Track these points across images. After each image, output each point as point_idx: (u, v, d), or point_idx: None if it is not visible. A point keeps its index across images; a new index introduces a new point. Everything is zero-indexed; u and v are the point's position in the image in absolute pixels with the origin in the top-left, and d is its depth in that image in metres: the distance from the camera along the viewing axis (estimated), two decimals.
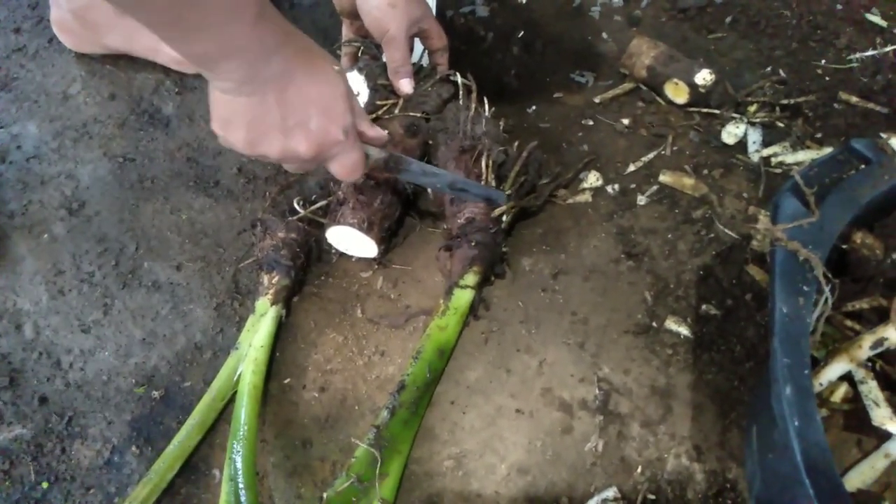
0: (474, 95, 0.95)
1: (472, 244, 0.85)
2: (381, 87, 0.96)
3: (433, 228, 0.95)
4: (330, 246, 0.91)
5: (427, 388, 0.79)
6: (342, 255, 0.92)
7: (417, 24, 0.90)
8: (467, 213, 0.87)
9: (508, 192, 0.89)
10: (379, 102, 0.95)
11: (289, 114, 0.62)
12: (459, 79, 0.97)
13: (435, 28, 0.92)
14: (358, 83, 0.98)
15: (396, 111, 0.94)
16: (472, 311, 0.86)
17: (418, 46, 1.00)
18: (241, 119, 0.62)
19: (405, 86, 0.93)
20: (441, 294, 0.87)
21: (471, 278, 0.85)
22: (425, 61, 1.02)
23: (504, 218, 0.88)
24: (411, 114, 0.94)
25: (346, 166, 0.71)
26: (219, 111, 0.63)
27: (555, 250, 0.93)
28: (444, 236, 0.90)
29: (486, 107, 0.95)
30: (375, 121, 0.94)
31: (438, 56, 0.96)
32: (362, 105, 0.96)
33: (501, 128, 0.95)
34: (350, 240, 0.87)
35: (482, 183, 0.87)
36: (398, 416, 0.76)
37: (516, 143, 0.93)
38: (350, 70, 0.99)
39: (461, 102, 0.95)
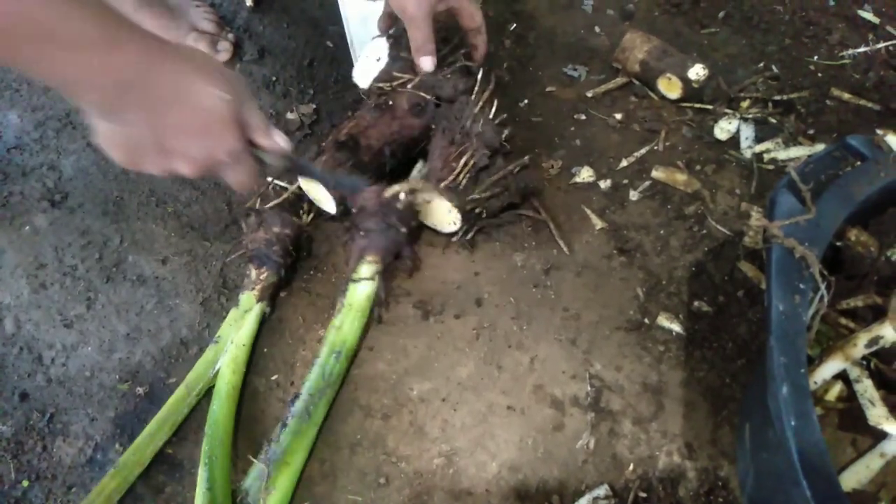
0: (486, 95, 0.93)
1: (362, 234, 0.83)
2: (403, 60, 0.95)
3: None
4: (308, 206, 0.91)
5: (324, 393, 0.77)
6: (330, 251, 0.90)
7: (445, 1, 0.86)
8: (360, 202, 0.85)
9: (475, 196, 0.87)
10: (396, 73, 0.93)
11: (165, 140, 0.60)
12: (480, 74, 0.94)
13: (466, 7, 0.88)
14: (381, 49, 0.97)
15: (409, 87, 0.93)
16: (378, 303, 0.84)
17: None
18: (116, 141, 0.59)
19: (426, 63, 0.90)
20: (433, 286, 0.86)
21: (365, 269, 0.82)
22: None
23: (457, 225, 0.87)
24: (422, 93, 0.92)
25: (236, 180, 0.68)
26: (95, 129, 0.60)
27: (547, 246, 0.92)
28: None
29: (494, 108, 0.93)
30: (385, 92, 0.93)
31: (472, 36, 0.91)
32: (377, 72, 0.95)
33: (503, 136, 0.91)
34: (318, 192, 0.88)
35: (453, 177, 0.86)
36: (289, 428, 0.74)
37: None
38: (381, 35, 0.98)
39: (473, 98, 0.93)
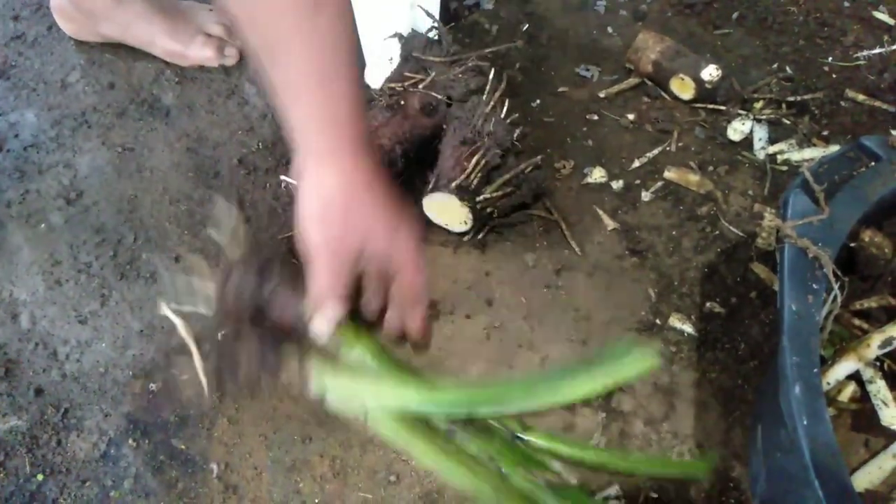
0: (497, 94, 0.93)
1: None
2: (414, 59, 0.95)
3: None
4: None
5: None
6: None
7: (372, 248, 0.55)
8: None
9: (487, 195, 0.87)
10: (407, 74, 0.94)
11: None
12: (491, 73, 0.94)
13: (408, 272, 0.57)
14: (392, 50, 0.98)
15: (420, 87, 0.93)
16: None
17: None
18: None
19: (318, 324, 0.56)
20: (444, 286, 0.86)
21: None
22: (433, 34, 0.99)
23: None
24: (433, 94, 0.93)
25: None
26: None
27: (558, 246, 0.92)
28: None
29: (505, 107, 0.93)
30: (397, 93, 0.93)
31: (406, 307, 0.59)
32: (389, 72, 0.96)
33: (515, 135, 0.91)
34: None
35: (464, 176, 0.86)
36: None
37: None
38: (393, 36, 0.99)
39: (484, 97, 0.93)
